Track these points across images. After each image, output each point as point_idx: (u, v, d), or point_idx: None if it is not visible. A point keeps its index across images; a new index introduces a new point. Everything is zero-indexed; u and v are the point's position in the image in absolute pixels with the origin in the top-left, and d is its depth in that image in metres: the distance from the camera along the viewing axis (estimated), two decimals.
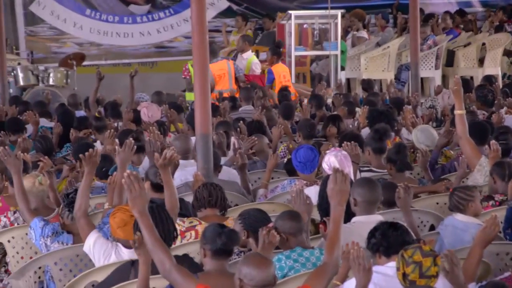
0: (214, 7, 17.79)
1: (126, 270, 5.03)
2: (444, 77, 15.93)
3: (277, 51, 13.87)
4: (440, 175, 7.72)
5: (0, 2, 12.22)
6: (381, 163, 7.64)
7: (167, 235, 4.94)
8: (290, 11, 15.30)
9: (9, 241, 6.07)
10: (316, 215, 6.01)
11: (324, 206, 5.65)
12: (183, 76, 12.83)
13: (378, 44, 16.55)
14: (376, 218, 5.51)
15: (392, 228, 4.84)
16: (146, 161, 7.86)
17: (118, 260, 5.24)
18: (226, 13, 18.29)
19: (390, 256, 4.74)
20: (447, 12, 18.19)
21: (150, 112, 10.26)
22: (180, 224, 5.87)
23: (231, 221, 5.82)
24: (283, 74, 13.57)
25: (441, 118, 10.95)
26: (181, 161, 7.07)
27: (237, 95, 12.26)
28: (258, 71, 13.93)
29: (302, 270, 5.05)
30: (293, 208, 5.58)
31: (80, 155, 5.79)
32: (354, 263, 4.53)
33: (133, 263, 5.02)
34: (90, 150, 5.78)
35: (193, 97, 12.48)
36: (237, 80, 13.01)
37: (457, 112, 7.38)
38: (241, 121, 9.38)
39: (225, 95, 12.28)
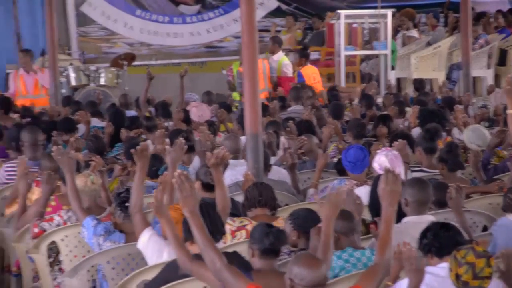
0: (263, 7, 17.80)
1: (175, 266, 5.05)
2: (497, 77, 15.74)
3: (305, 53, 13.84)
4: (493, 175, 7.63)
5: (51, 3, 12.35)
6: (432, 163, 7.58)
7: (215, 232, 4.94)
8: (339, 11, 15.27)
9: (62, 240, 6.12)
10: (366, 215, 5.98)
11: (375, 206, 5.62)
12: (228, 77, 12.90)
13: (429, 44, 16.41)
14: (427, 218, 5.47)
15: (444, 228, 4.79)
16: (196, 161, 7.89)
17: (170, 259, 5.26)
18: (276, 13, 18.30)
19: (442, 257, 4.70)
20: (499, 11, 17.98)
21: (200, 111, 10.30)
22: (231, 224, 5.89)
23: (281, 221, 5.81)
24: (313, 76, 13.50)
25: (493, 117, 10.84)
26: (231, 161, 7.08)
27: (273, 95, 12.27)
28: (289, 72, 13.89)
29: (353, 270, 5.03)
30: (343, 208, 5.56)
31: (132, 150, 5.81)
32: (407, 263, 4.50)
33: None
34: (141, 143, 5.78)
35: (238, 97, 12.60)
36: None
37: (509, 111, 7.29)
38: (291, 121, 9.37)
39: (261, 95, 12.29)
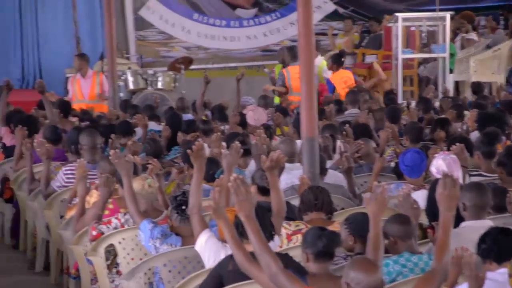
0: (320, 10, 17.77)
1: (226, 262, 5.06)
2: None
3: (338, 60, 13.69)
4: None
5: (110, 7, 12.47)
6: (491, 168, 7.48)
7: (265, 234, 4.92)
8: (397, 14, 15.16)
9: (119, 243, 6.17)
10: (424, 220, 5.92)
11: (432, 210, 5.56)
12: (271, 74, 12.89)
13: (488, 46, 16.22)
14: (486, 223, 5.40)
15: (504, 233, 4.72)
16: (252, 165, 7.90)
17: None
18: (332, 16, 18.25)
19: (501, 263, 4.63)
20: None
21: (256, 115, 10.31)
22: (287, 228, 5.88)
23: (337, 225, 5.78)
24: (344, 80, 13.34)
25: None
26: (286, 165, 7.05)
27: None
28: (328, 76, 13.77)
29: (410, 275, 4.98)
30: (400, 212, 5.52)
31: (188, 151, 5.83)
32: (466, 269, 4.44)
33: (231, 256, 5.04)
34: (197, 143, 5.79)
35: (278, 100, 12.59)
36: None
37: None
38: (347, 125, 9.34)
39: (299, 98, 12.25)
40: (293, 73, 12.61)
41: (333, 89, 13.24)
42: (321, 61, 13.66)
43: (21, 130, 8.69)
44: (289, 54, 13.06)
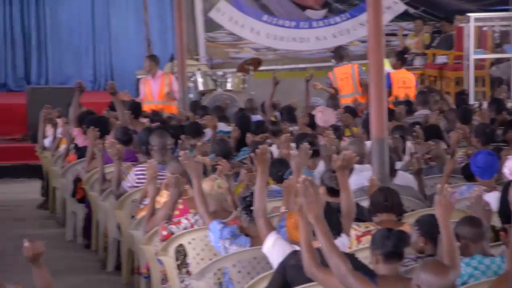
0: (390, 10, 17.63)
1: (290, 256, 5.05)
2: None
3: (401, 57, 13.53)
4: None
5: (181, 9, 12.57)
6: None
7: (333, 232, 4.88)
8: (469, 14, 14.97)
9: (189, 243, 6.20)
10: (496, 222, 5.84)
11: (505, 212, 5.48)
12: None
13: None
14: None
15: None
16: (321, 166, 7.87)
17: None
18: (403, 16, 18.09)
19: None
20: None
21: (325, 116, 10.28)
22: (356, 229, 5.85)
23: (407, 227, 5.73)
24: (403, 80, 13.14)
25: None
26: (356, 166, 7.04)
27: (363, 99, 12.08)
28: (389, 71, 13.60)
29: (482, 278, 4.91)
30: (472, 214, 5.45)
31: (251, 154, 5.84)
32: None
33: (295, 252, 5.01)
34: (261, 147, 5.80)
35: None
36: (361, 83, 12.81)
37: None
38: (418, 126, 9.25)
39: (347, 100, 12.16)
40: (339, 74, 12.59)
41: (389, 85, 13.11)
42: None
43: (93, 131, 8.81)
44: (336, 55, 13.06)
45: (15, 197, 12.11)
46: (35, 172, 12.07)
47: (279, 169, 7.03)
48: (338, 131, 9.40)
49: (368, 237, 5.78)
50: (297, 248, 5.35)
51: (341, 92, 12.58)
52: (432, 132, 8.98)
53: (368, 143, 7.74)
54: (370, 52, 7.17)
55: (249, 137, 9.35)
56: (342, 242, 5.22)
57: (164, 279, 6.63)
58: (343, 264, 4.51)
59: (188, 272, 6.32)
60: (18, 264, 6.81)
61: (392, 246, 4.66)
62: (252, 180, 7.50)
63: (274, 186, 7.12)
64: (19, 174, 13.33)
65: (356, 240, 5.80)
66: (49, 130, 10.93)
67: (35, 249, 4.28)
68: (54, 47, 17.48)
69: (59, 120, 10.83)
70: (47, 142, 10.90)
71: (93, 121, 9.40)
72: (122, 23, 17.58)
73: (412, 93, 12.61)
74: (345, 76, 12.73)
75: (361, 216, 6.16)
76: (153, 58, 13.17)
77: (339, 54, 12.83)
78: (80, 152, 9.61)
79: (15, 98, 15.85)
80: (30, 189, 12.03)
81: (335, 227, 5.04)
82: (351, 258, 4.90)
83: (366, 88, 12.49)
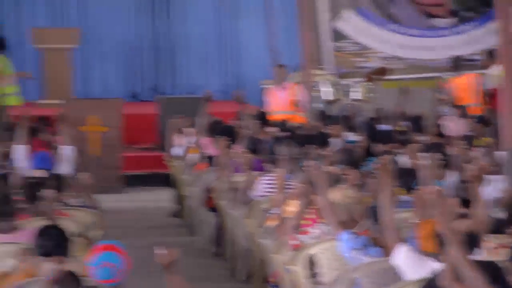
0: None
1: (433, 283, 4.99)
2: None
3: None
4: None
5: (304, 19, 12.61)
6: None
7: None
8: None
9: (319, 253, 6.21)
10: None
11: None
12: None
13: None
14: None
15: None
16: (451, 176, 7.76)
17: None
18: None
19: None
20: None
21: (455, 126, 10.14)
22: (492, 241, 5.73)
23: None
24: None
25: None
26: (488, 176, 6.91)
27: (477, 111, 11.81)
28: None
29: None
30: None
31: (373, 165, 5.82)
32: None
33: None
34: (384, 157, 5.75)
35: None
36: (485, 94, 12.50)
37: None
38: None
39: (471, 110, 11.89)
40: (456, 84, 12.34)
41: None
42: (497, 70, 13.27)
43: (224, 140, 8.95)
44: (454, 65, 12.86)
45: (147, 205, 12.38)
46: (166, 180, 12.33)
47: (408, 179, 6.97)
48: (468, 140, 9.25)
49: (502, 250, 5.67)
50: (429, 259, 5.30)
51: (461, 102, 12.35)
52: None
53: (498, 153, 7.59)
54: (502, 61, 7.04)
55: (377, 147, 9.30)
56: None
57: None
58: (478, 276, 4.44)
59: (317, 283, 6.33)
60: (152, 271, 6.95)
61: None
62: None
63: (403, 196, 7.06)
64: (150, 182, 13.64)
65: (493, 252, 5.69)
66: (176, 139, 11.16)
67: (170, 256, 4.39)
68: (183, 57, 17.84)
69: (190, 130, 11.05)
70: (174, 151, 11.13)
71: (222, 130, 9.56)
72: (249, 32, 17.78)
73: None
74: (464, 87, 12.54)
75: (494, 228, 6.04)
76: (281, 67, 13.27)
77: (457, 65, 12.61)
78: (212, 161, 9.77)
79: (146, 108, 16.24)
80: (162, 197, 12.29)
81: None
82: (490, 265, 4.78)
83: (489, 97, 12.31)
